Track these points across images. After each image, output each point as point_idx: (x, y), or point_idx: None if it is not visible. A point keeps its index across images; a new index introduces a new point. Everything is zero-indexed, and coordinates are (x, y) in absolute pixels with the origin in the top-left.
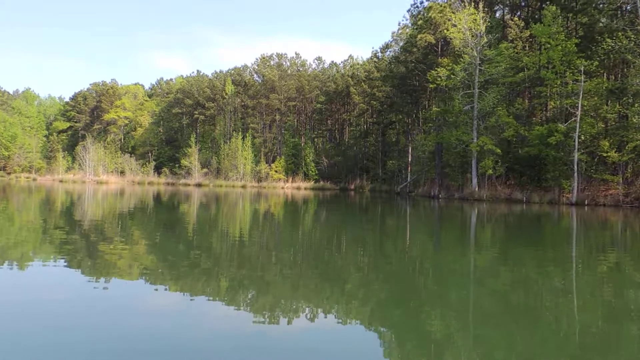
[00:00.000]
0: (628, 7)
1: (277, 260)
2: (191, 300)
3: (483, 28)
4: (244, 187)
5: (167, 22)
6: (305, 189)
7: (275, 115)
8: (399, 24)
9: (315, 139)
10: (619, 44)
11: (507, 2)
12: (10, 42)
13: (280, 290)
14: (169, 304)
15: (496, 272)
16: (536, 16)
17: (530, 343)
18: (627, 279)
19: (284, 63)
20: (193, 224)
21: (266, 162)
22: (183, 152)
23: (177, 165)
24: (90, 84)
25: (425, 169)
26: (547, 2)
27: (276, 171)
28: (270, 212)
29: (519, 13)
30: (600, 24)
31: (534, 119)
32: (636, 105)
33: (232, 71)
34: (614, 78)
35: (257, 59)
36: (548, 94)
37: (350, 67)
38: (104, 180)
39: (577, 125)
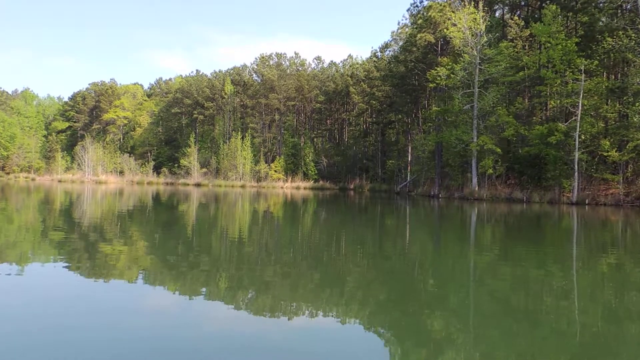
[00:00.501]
0: (628, 6)
1: (276, 260)
2: (190, 300)
3: (483, 27)
4: (243, 187)
5: (166, 22)
6: (305, 188)
7: (274, 115)
8: (399, 23)
9: (315, 139)
10: (620, 42)
11: (507, 1)
12: (9, 42)
13: (279, 291)
14: (168, 304)
15: (496, 272)
16: (536, 15)
17: (530, 343)
18: (627, 279)
19: (284, 63)
20: (192, 224)
21: (265, 162)
22: (182, 152)
23: (176, 165)
24: (89, 84)
25: (425, 168)
26: (547, 2)
27: (275, 171)
28: (269, 212)
29: (518, 12)
30: (600, 23)
31: (534, 118)
32: (637, 104)
33: (232, 71)
34: (614, 77)
35: (256, 59)
36: (548, 93)
37: (350, 66)
38: (102, 180)
39: (578, 124)
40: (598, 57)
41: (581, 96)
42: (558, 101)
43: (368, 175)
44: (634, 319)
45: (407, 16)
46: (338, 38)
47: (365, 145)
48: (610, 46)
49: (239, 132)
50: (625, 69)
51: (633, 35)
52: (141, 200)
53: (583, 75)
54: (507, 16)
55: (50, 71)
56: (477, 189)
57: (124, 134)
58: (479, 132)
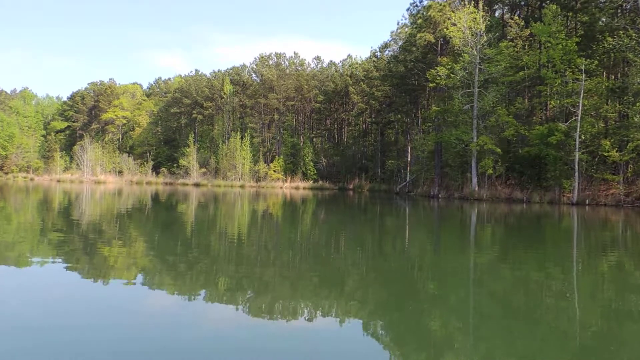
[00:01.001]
0: (628, 6)
1: (276, 261)
2: (189, 300)
3: (483, 27)
4: (242, 186)
5: (165, 22)
6: (304, 188)
7: (273, 115)
8: (398, 23)
9: (314, 139)
10: (620, 42)
11: (507, 1)
12: (8, 41)
13: (278, 291)
14: (167, 304)
15: (496, 273)
16: (536, 15)
17: (530, 344)
18: (628, 280)
19: (283, 62)
20: (191, 224)
21: (265, 162)
22: (181, 152)
23: (175, 165)
24: (88, 84)
25: (425, 168)
26: (547, 1)
27: (275, 171)
28: (268, 212)
29: (518, 12)
30: (601, 23)
31: (534, 118)
32: (637, 104)
33: (231, 71)
34: (613, 77)
35: (255, 59)
36: (548, 93)
37: (349, 66)
38: (101, 180)
39: (578, 124)
40: (598, 57)
41: (581, 96)
42: (558, 101)
43: (367, 175)
44: (634, 320)
45: (407, 16)
46: (337, 38)
47: (365, 145)
48: (610, 46)
49: (238, 132)
50: (626, 69)
51: (634, 34)
52: (140, 200)
53: (583, 75)
54: (507, 16)
55: (49, 71)
56: (477, 189)
57: (122, 134)
58: (478, 132)
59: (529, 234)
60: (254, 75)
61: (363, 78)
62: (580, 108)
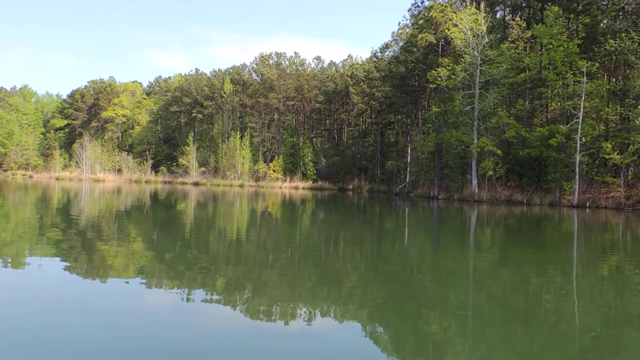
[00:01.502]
0: (630, 8)
1: (275, 261)
2: (188, 299)
3: (484, 28)
4: (241, 186)
5: (166, 21)
6: (303, 188)
7: (273, 115)
8: (399, 24)
9: (314, 139)
10: (622, 45)
11: (508, 2)
12: (8, 39)
13: (277, 291)
14: (166, 304)
15: (496, 275)
16: (537, 17)
17: (529, 346)
18: (628, 283)
19: (283, 62)
20: (190, 223)
21: (264, 162)
22: (181, 151)
23: (174, 163)
24: (88, 82)
25: (425, 169)
26: (549, 3)
27: (274, 171)
28: (267, 212)
29: (519, 13)
30: (602, 25)
31: (534, 120)
32: (639, 107)
33: (231, 70)
34: (614, 80)
35: (256, 58)
36: (549, 95)
37: (350, 66)
38: (100, 178)
39: (579, 126)
40: (599, 60)
41: (583, 98)
42: (559, 103)
43: (367, 175)
44: (634, 323)
45: (408, 16)
46: (338, 38)
47: (365, 146)
48: (612, 48)
49: (238, 132)
50: (627, 71)
51: (636, 37)
52: (139, 199)
53: (585, 77)
54: (508, 17)
55: (49, 68)
56: (477, 190)
57: (122, 132)
58: (479, 134)
59: (529, 237)
60: (254, 74)
61: (363, 78)
62: (582, 110)
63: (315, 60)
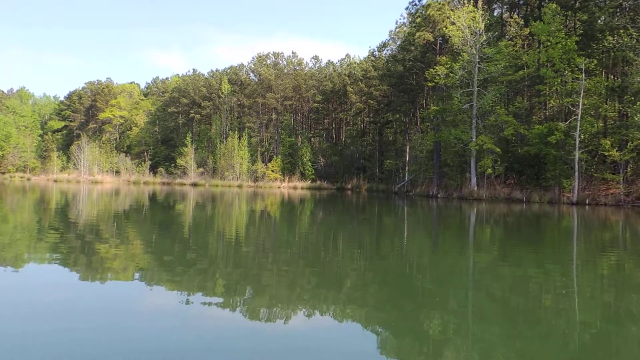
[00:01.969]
0: (628, 5)
1: (274, 261)
2: (187, 301)
3: (482, 26)
4: (240, 186)
5: (163, 21)
6: (302, 188)
7: (271, 115)
8: (397, 22)
9: (312, 139)
10: (620, 41)
11: (506, 0)
12: (5, 40)
13: (277, 291)
14: (165, 305)
15: (495, 273)
16: (535, 14)
17: (529, 344)
18: (628, 280)
19: (281, 62)
20: (189, 224)
21: (262, 162)
22: (179, 152)
23: (172, 164)
24: (85, 83)
25: (423, 168)
26: (547, 0)
27: (273, 171)
28: (266, 212)
29: (517, 11)
30: (600, 22)
31: (533, 117)
32: (638, 103)
33: (229, 70)
34: (612, 77)
35: (253, 58)
36: (547, 93)
37: (347, 66)
38: (98, 180)
39: (578, 123)
40: (597, 56)
41: (581, 95)
42: (558, 100)
43: (365, 175)
44: (634, 320)
45: (405, 15)
46: (335, 37)
47: (363, 145)
48: (610, 45)
49: (236, 132)
50: (626, 68)
51: (634, 33)
52: (137, 201)
53: (583, 74)
54: (506, 15)
55: (46, 70)
56: (476, 189)
57: (120, 134)
58: (478, 132)
59: (529, 234)
60: (251, 74)
61: (361, 77)
62: (580, 107)
63: (312, 59)
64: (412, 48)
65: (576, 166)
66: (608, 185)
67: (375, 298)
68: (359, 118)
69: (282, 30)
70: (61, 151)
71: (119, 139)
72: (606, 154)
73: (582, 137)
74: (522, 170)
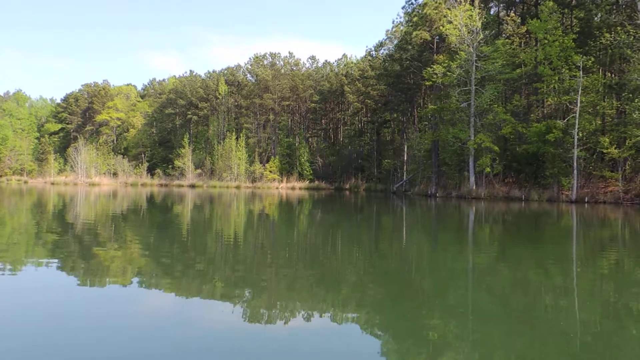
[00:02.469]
0: (625, 2)
1: (273, 261)
2: (186, 302)
3: (479, 24)
4: (238, 187)
5: (160, 23)
6: (300, 189)
7: (269, 115)
8: (393, 22)
9: (310, 139)
10: (617, 38)
11: None
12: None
13: (276, 291)
14: (164, 306)
15: (495, 272)
16: (532, 12)
17: (530, 343)
18: (627, 278)
19: (278, 62)
20: (187, 226)
21: (260, 163)
22: (176, 153)
23: (170, 166)
24: (81, 85)
25: (422, 167)
26: None
27: (270, 171)
28: (264, 213)
29: (514, 9)
30: (597, 19)
31: (531, 115)
32: (636, 100)
33: (226, 71)
34: (610, 74)
35: (250, 59)
36: (545, 91)
37: (344, 66)
38: (96, 182)
39: (576, 121)
40: (595, 54)
41: (579, 93)
42: (555, 98)
43: (364, 175)
44: (635, 319)
45: (402, 14)
46: (332, 38)
47: (361, 145)
48: (608, 42)
49: (234, 133)
50: (623, 65)
51: (631, 30)
52: (135, 202)
53: (581, 71)
54: (502, 13)
55: (42, 72)
56: (474, 187)
57: (117, 136)
58: (476, 130)
59: (528, 233)
60: (248, 75)
61: (358, 77)
62: (578, 105)
63: (309, 60)
64: (409, 47)
65: (575, 164)
66: (607, 183)
67: (374, 298)
68: (357, 118)
69: (277, 30)
70: (58, 154)
71: (116, 141)
72: (605, 151)
73: (581, 134)
74: (521, 168)
